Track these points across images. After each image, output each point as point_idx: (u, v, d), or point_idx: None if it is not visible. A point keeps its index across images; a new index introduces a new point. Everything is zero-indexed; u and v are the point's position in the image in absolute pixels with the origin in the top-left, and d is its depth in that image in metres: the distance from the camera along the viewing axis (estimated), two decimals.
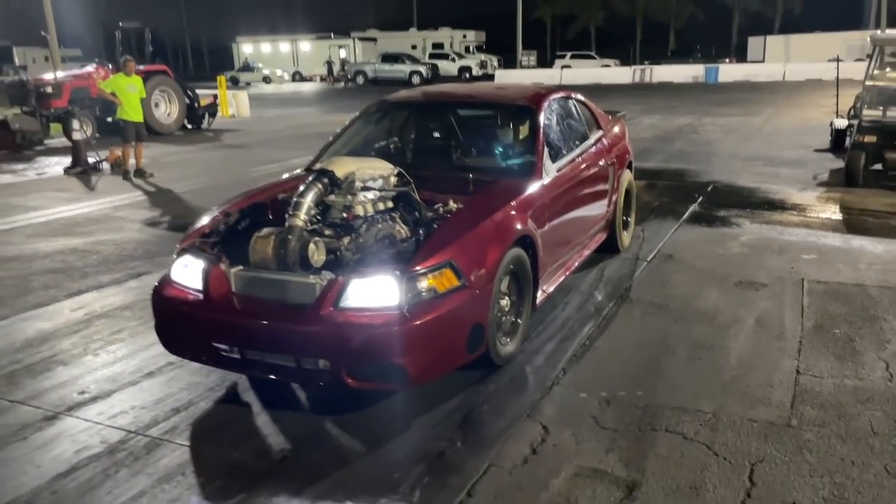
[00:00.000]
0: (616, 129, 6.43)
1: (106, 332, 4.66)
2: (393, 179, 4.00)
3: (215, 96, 20.53)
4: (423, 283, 3.37)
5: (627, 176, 6.31)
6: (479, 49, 50.94)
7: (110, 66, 17.77)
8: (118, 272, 5.97)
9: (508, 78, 38.86)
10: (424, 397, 3.63)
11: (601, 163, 5.60)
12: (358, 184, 3.80)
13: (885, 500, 2.79)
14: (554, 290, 4.67)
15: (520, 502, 2.84)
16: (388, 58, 43.70)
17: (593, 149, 5.59)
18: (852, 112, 10.82)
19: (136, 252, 6.62)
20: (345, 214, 3.72)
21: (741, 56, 47.78)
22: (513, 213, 4.06)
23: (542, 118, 4.91)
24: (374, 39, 53.56)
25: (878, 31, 11.39)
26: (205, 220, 4.04)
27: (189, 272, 3.68)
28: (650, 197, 8.48)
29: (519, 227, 4.01)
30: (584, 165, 5.26)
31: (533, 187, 4.41)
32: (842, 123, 11.18)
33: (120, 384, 3.92)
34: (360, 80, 43.27)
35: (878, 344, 4.25)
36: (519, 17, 43.06)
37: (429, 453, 3.19)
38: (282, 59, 52.14)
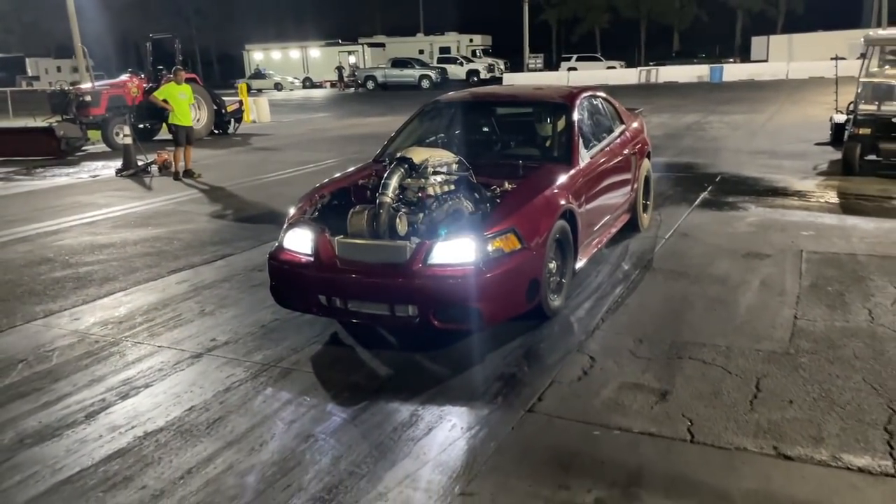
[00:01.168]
0: (636, 124, 7.32)
1: (214, 299, 5.56)
2: (455, 166, 4.79)
3: (240, 102, 21.48)
4: (493, 245, 4.21)
5: (646, 165, 7.20)
6: (485, 52, 51.90)
7: (142, 75, 18.77)
8: (204, 255, 6.86)
9: (516, 81, 39.67)
10: (490, 340, 4.48)
11: (624, 152, 6.49)
12: (430, 169, 4.61)
13: (861, 398, 3.63)
14: (588, 260, 5.50)
15: (580, 404, 3.69)
16: (398, 63, 44.66)
17: (618, 140, 6.48)
18: (851, 107, 11.63)
19: (213, 239, 7.52)
20: (420, 194, 4.50)
21: (745, 56, 48.58)
22: (557, 191, 4.93)
23: (575, 113, 5.77)
24: (383, 45, 54.58)
25: (871, 32, 12.20)
26: (303, 202, 4.91)
27: (299, 241, 4.52)
28: (664, 186, 9.32)
29: (563, 202, 4.87)
30: (610, 154, 6.13)
31: (571, 171, 5.27)
32: (841, 118, 11.98)
33: (241, 334, 4.81)
34: (371, 85, 44.21)
35: (864, 297, 5.09)
36: (525, 20, 44.01)
37: (503, 374, 4.06)
38: (292, 66, 53.18)
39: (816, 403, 3.59)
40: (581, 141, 5.61)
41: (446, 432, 3.46)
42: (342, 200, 4.84)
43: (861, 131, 9.57)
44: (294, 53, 54.59)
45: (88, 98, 17.24)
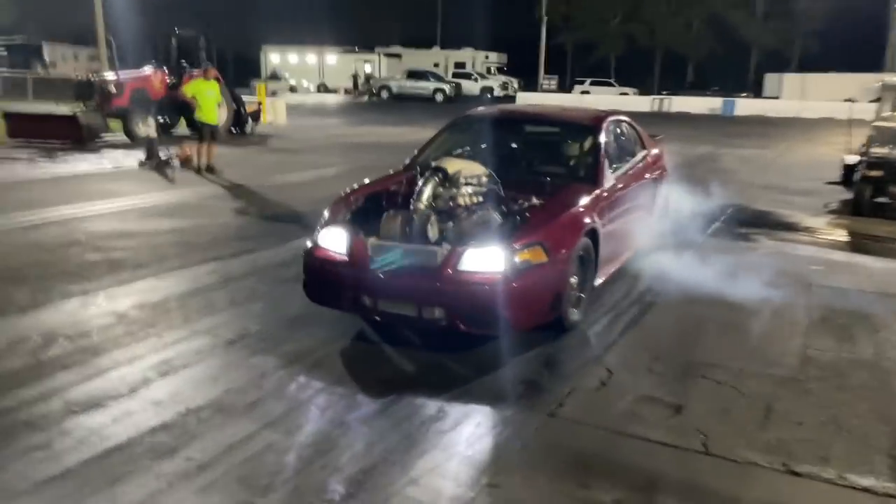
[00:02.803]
0: (656, 150, 7.61)
1: (243, 291, 5.76)
2: (485, 178, 5.02)
3: (259, 103, 21.80)
4: (521, 256, 4.40)
5: (665, 190, 7.46)
6: (500, 70, 52.44)
7: (165, 69, 19.05)
8: (231, 248, 7.07)
9: (529, 100, 40.00)
10: (511, 347, 4.66)
11: (646, 176, 6.80)
12: (462, 180, 4.85)
13: (867, 425, 3.82)
14: (607, 278, 5.68)
15: (598, 411, 3.88)
16: (413, 74, 45.00)
17: (640, 164, 6.77)
18: (864, 149, 11.85)
19: (239, 234, 7.74)
20: (451, 203, 4.74)
21: (758, 91, 49.00)
22: (583, 210, 5.15)
23: (603, 136, 6.07)
24: (399, 56, 55.06)
25: (887, 78, 12.49)
26: (339, 203, 5.12)
27: (335, 240, 4.72)
28: (678, 214, 9.52)
29: (588, 221, 5.08)
30: (633, 177, 6.40)
31: (596, 191, 5.51)
32: (853, 159, 12.21)
33: (272, 325, 5.02)
34: (385, 94, 44.57)
35: (870, 332, 5.28)
36: (542, 41, 44.49)
37: (525, 379, 4.25)
38: (308, 70, 53.66)
39: (824, 426, 3.78)
40: (607, 162, 5.87)
41: (472, 428, 3.66)
42: (375, 205, 5.01)
43: (872, 173, 9.79)
44: (311, 57, 55.07)
45: (113, 89, 17.52)
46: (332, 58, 54.33)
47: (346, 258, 4.61)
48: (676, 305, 5.77)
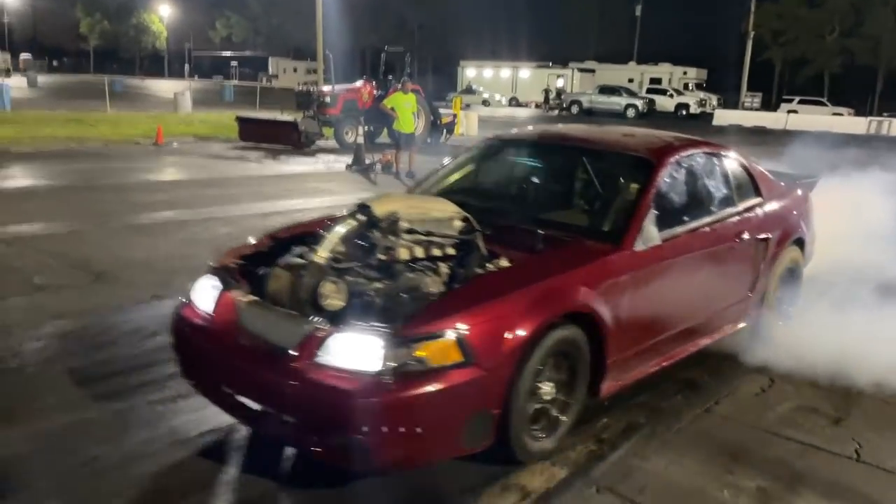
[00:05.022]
0: (786, 200, 5.38)
1: None
2: (457, 224, 3.63)
3: (454, 115, 23.13)
4: (414, 352, 2.90)
5: (790, 255, 5.32)
6: (698, 87, 50.62)
7: (374, 83, 20.84)
8: None
9: (727, 119, 38.38)
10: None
11: (745, 236, 4.69)
12: (403, 224, 3.45)
13: None
14: (632, 383, 3.98)
15: (755, 414, 4.10)
16: (606, 90, 44.83)
17: (736, 218, 4.69)
18: None
19: None
20: (382, 257, 3.39)
21: None
22: (570, 281, 3.48)
23: (660, 175, 4.15)
24: (593, 71, 54.99)
25: None
26: (248, 243, 3.98)
27: (206, 294, 3.53)
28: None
29: (575, 299, 3.42)
30: (710, 237, 4.39)
31: (615, 255, 3.72)
32: None
33: None
34: (575, 109, 44.80)
35: None
36: (747, 57, 42.42)
37: (685, 378, 4.54)
38: (501, 84, 55.19)
39: None
40: (653, 215, 3.93)
41: (633, 414, 4.04)
42: (286, 251, 3.76)
43: None
44: (504, 72, 56.59)
45: (328, 99, 19.50)
46: (525, 72, 55.47)
47: (209, 320, 3.43)
48: None
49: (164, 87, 36.19)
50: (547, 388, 3.43)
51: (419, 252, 3.44)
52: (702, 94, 47.12)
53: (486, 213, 3.93)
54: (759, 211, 4.95)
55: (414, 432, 2.93)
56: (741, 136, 26.29)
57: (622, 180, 4.46)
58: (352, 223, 3.47)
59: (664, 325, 4.12)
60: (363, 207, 3.50)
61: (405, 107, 13.54)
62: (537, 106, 49.72)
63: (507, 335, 3.11)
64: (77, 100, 27.30)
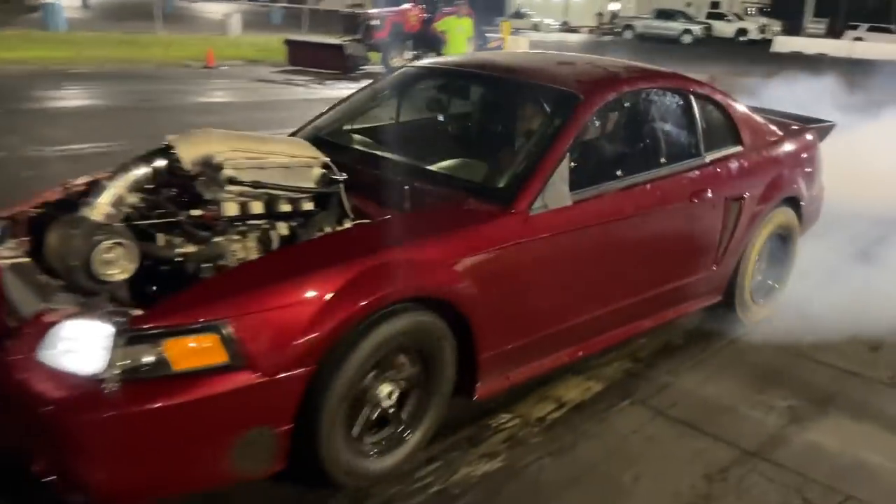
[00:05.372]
0: (780, 150, 4.36)
1: None
2: (315, 172, 2.84)
3: (502, 40, 22.72)
4: (154, 351, 2.15)
5: (778, 218, 4.31)
6: (761, 11, 48.37)
7: (423, 6, 20.47)
8: None
9: (789, 45, 36.60)
10: None
11: (707, 195, 3.69)
12: (227, 172, 2.58)
13: None
14: (530, 377, 3.18)
15: (793, 340, 4.13)
16: (662, 14, 43.07)
17: (696, 173, 3.70)
18: None
19: None
20: (202, 213, 2.61)
21: None
22: (424, 256, 2.64)
23: (583, 115, 3.25)
24: None
25: None
26: (60, 187, 2.94)
27: None
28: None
29: (418, 281, 2.60)
30: (654, 195, 3.45)
31: (502, 219, 2.87)
32: None
33: None
34: (629, 34, 43.29)
35: None
36: None
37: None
38: (552, 8, 53.52)
39: None
40: (563, 168, 3.05)
41: (671, 335, 4.15)
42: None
43: None
44: None
45: (375, 22, 19.31)
46: None
47: None
48: None
49: (213, 7, 35.96)
50: (384, 394, 2.67)
51: (257, 207, 2.66)
52: (764, 20, 45.03)
53: (368, 161, 3.29)
54: (734, 163, 3.95)
55: (154, 457, 2.21)
56: (789, 63, 24.96)
57: (538, 122, 3.44)
58: (142, 170, 2.59)
59: (572, 308, 3.24)
60: (165, 149, 2.66)
61: (458, 31, 13.35)
62: (590, 31, 48.24)
63: (304, 328, 2.31)
64: (129, 21, 27.45)
